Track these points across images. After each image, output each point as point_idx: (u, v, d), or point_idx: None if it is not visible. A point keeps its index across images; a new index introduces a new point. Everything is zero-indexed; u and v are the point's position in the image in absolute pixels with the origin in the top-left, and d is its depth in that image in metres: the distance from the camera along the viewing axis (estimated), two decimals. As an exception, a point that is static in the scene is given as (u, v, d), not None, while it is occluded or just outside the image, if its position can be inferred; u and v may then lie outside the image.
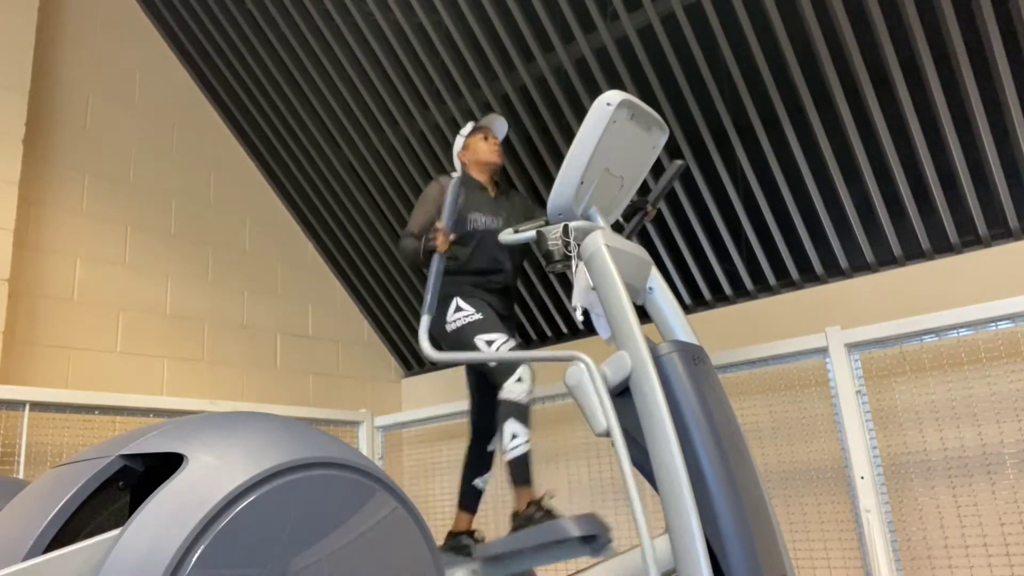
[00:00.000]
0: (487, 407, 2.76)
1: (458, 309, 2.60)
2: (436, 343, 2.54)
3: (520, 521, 2.37)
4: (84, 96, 3.78)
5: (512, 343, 2.53)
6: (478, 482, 2.75)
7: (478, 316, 2.56)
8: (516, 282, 2.85)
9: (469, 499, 2.75)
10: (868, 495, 2.59)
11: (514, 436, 2.42)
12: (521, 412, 2.44)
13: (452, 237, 2.48)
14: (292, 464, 1.05)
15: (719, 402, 1.89)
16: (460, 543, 2.63)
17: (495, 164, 2.82)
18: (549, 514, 2.34)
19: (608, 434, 1.80)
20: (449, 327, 2.60)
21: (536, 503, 2.39)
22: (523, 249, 2.84)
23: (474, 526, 2.73)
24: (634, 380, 1.86)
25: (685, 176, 3.48)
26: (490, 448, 2.78)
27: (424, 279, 2.76)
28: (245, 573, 0.96)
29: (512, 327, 2.81)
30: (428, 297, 2.42)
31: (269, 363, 4.24)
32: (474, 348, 2.52)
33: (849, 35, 2.86)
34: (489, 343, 2.50)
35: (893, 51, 2.86)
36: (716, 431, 1.80)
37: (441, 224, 2.45)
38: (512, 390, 2.45)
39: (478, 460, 2.77)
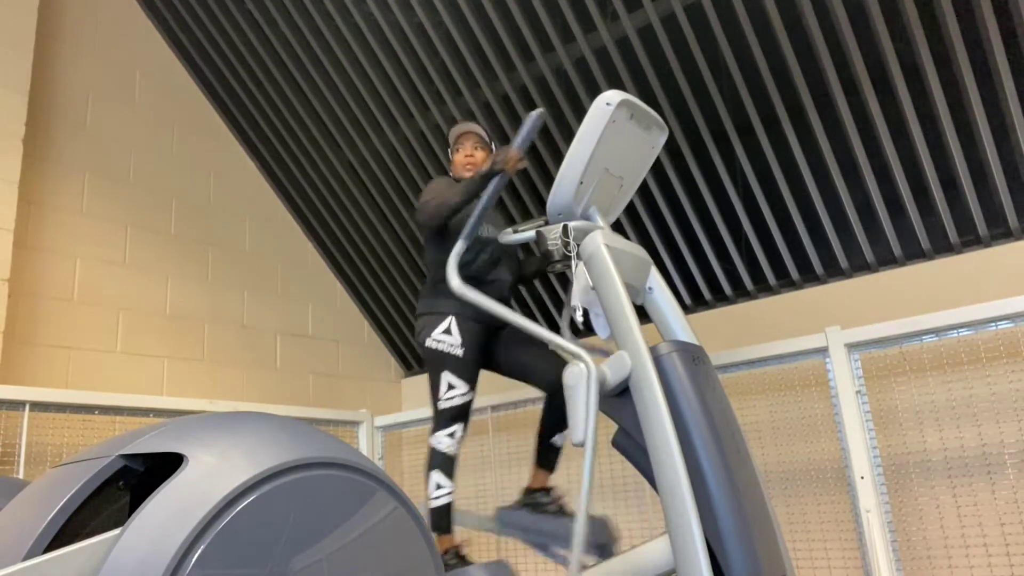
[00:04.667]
0: (548, 362, 2.67)
1: (447, 332, 2.54)
2: (419, 342, 2.56)
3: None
4: (84, 96, 3.78)
5: (470, 397, 2.52)
6: (557, 439, 2.65)
7: (459, 352, 2.52)
8: (511, 298, 2.80)
9: (547, 457, 2.66)
10: (868, 495, 2.58)
11: (438, 486, 2.46)
12: (447, 464, 2.48)
13: (523, 163, 2.33)
14: (292, 464, 1.05)
15: (719, 402, 1.89)
16: (535, 499, 2.58)
17: (465, 179, 2.74)
18: (464, 561, 2.39)
19: (583, 445, 1.82)
20: (430, 343, 2.55)
21: (454, 550, 2.43)
22: (515, 266, 2.77)
23: (550, 483, 2.67)
24: (634, 380, 1.86)
25: (685, 176, 3.48)
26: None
27: (424, 279, 2.75)
28: (245, 573, 0.96)
29: (515, 331, 2.75)
30: (471, 224, 2.34)
31: (269, 363, 4.24)
32: (437, 380, 2.52)
33: (849, 35, 2.86)
34: (450, 386, 2.50)
35: (893, 51, 2.86)
36: (716, 431, 1.80)
37: (514, 148, 2.29)
38: (441, 441, 2.48)
39: (554, 416, 2.65)
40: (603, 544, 2.26)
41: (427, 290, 2.68)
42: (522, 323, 2.14)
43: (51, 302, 3.41)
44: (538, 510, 2.43)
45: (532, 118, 2.24)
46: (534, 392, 2.72)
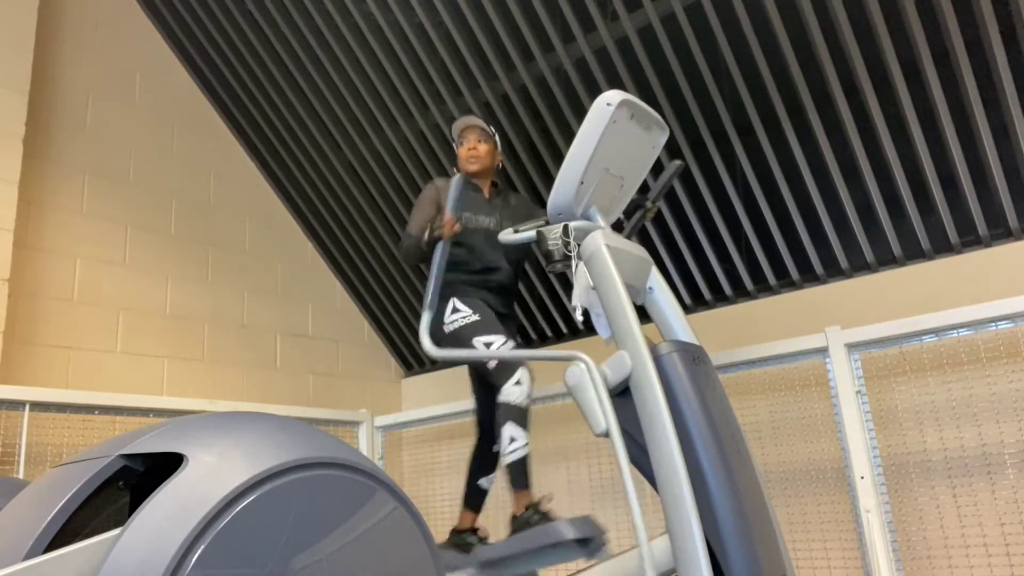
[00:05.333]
0: (490, 407, 2.75)
1: (455, 310, 2.58)
2: (437, 341, 2.54)
3: (518, 524, 2.37)
4: (84, 96, 3.78)
5: (511, 344, 2.50)
6: (483, 482, 2.74)
7: (476, 317, 2.55)
8: (516, 281, 2.83)
9: (474, 499, 2.74)
10: (868, 495, 2.59)
11: (512, 439, 2.40)
12: (520, 415, 2.42)
13: (457, 227, 2.47)
14: (292, 464, 1.05)
15: (719, 402, 1.89)
16: (463, 540, 2.62)
17: (473, 170, 2.77)
18: (546, 517, 2.33)
19: (607, 434, 1.80)
20: (447, 328, 2.58)
21: (534, 506, 2.38)
22: (521, 248, 2.81)
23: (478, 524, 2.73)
24: (634, 380, 1.86)
25: (685, 176, 3.48)
26: (496, 448, 2.77)
27: (425, 279, 2.76)
28: (245, 573, 0.96)
29: (513, 326, 2.80)
30: (430, 292, 2.41)
31: (269, 363, 4.24)
32: (474, 349, 2.50)
33: (849, 35, 2.86)
34: (487, 345, 2.47)
35: (893, 51, 2.86)
36: (716, 431, 1.80)
37: (447, 213, 2.44)
38: (511, 393, 2.43)
39: (483, 460, 2.76)
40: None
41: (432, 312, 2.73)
42: (493, 356, 2.29)
43: (51, 302, 3.41)
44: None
45: (455, 182, 2.47)
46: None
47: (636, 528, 1.71)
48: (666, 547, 1.76)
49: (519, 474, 2.42)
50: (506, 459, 2.42)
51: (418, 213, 2.70)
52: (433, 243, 2.48)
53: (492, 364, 2.47)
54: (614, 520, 3.43)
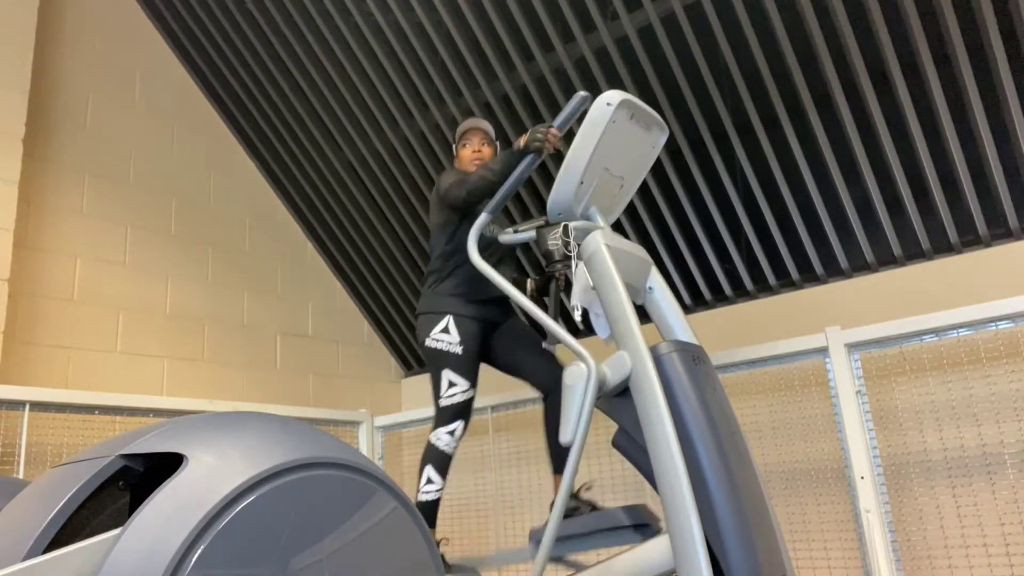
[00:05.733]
0: (545, 363, 2.67)
1: (445, 330, 2.57)
2: (420, 343, 2.57)
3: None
4: (84, 96, 3.78)
5: (471, 394, 2.55)
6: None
7: (458, 351, 2.55)
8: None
9: (563, 459, 2.66)
10: (868, 495, 2.58)
11: (429, 481, 2.49)
12: (443, 461, 2.51)
13: (560, 142, 2.29)
14: (292, 464, 1.05)
15: (719, 402, 1.89)
16: (577, 503, 2.54)
17: None
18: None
19: (571, 445, 1.84)
20: (429, 342, 2.58)
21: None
22: (514, 264, 2.80)
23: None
24: (634, 380, 1.86)
25: (685, 176, 3.48)
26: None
27: (422, 278, 2.74)
28: (245, 573, 0.96)
29: (515, 324, 2.77)
30: (497, 199, 2.32)
31: (269, 363, 4.24)
32: (438, 378, 2.54)
33: (849, 35, 2.86)
34: (451, 383, 2.53)
35: (893, 51, 2.86)
36: (716, 431, 1.80)
37: (554, 127, 2.27)
38: (441, 438, 2.51)
39: (555, 417, 2.64)
40: (646, 524, 2.27)
41: (426, 290, 2.70)
42: (530, 307, 2.14)
43: (51, 302, 3.41)
44: (575, 514, 2.42)
45: (577, 99, 2.20)
46: (534, 392, 2.72)
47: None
48: (666, 547, 1.76)
49: (427, 514, 2.48)
50: (419, 497, 2.50)
51: (460, 175, 2.55)
52: (524, 154, 2.29)
53: (442, 402, 2.53)
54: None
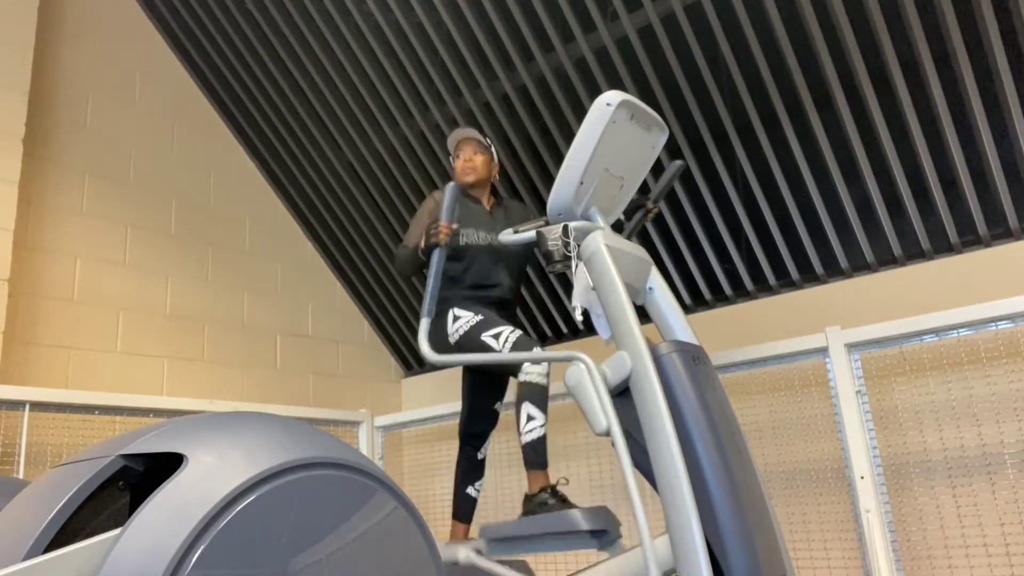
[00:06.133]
0: (479, 413, 2.77)
1: (456, 318, 2.58)
2: (442, 351, 2.55)
3: (532, 506, 2.34)
4: (84, 96, 3.78)
5: (519, 332, 2.48)
6: (471, 490, 2.73)
7: (478, 317, 2.55)
8: (515, 296, 2.81)
9: (464, 508, 2.73)
10: (868, 495, 2.59)
11: (530, 418, 2.38)
12: (538, 395, 2.41)
13: (452, 228, 2.43)
14: (292, 464, 1.05)
15: (719, 402, 1.89)
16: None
17: (469, 182, 2.76)
18: (563, 501, 2.32)
19: (608, 433, 1.80)
20: (452, 338, 2.58)
21: (551, 488, 2.36)
22: (521, 261, 2.81)
23: (471, 533, 2.71)
24: (634, 380, 1.86)
25: (685, 176, 3.48)
26: (480, 456, 2.78)
27: (424, 281, 2.75)
28: (245, 573, 0.96)
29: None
30: (427, 299, 2.41)
31: (269, 363, 4.24)
32: (482, 347, 2.49)
33: (849, 35, 2.86)
34: (496, 336, 2.47)
35: (893, 51, 2.86)
36: (716, 431, 1.80)
37: (442, 220, 2.42)
38: (529, 372, 2.42)
39: (470, 468, 2.76)
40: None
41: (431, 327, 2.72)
42: (499, 359, 2.37)
43: (51, 302, 3.41)
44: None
45: (449, 190, 2.44)
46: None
47: (640, 526, 1.71)
48: (666, 547, 1.76)
49: (536, 454, 2.38)
50: (523, 438, 2.40)
51: (416, 226, 2.71)
52: (430, 250, 2.46)
53: (504, 351, 2.45)
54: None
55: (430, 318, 2.39)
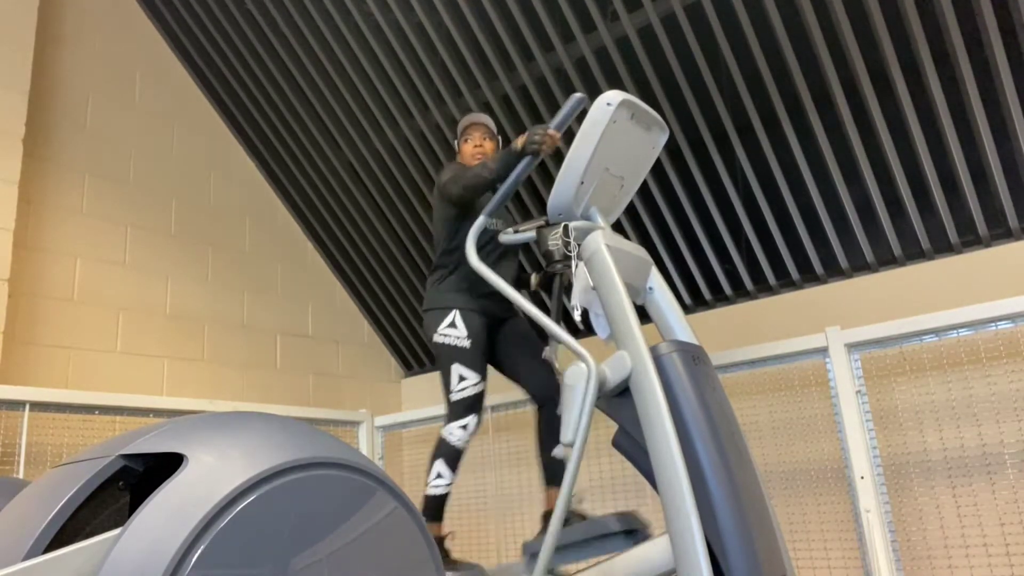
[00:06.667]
0: (542, 372, 2.68)
1: (452, 325, 2.58)
2: (428, 338, 2.56)
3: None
4: (84, 96, 3.78)
5: (481, 387, 2.55)
6: (558, 451, 2.63)
7: (466, 344, 2.55)
8: (518, 284, 2.81)
9: (556, 473, 2.60)
10: (868, 495, 2.58)
11: (439, 476, 2.49)
12: (454, 456, 2.51)
13: (558, 142, 2.29)
14: (292, 464, 1.05)
15: (719, 402, 1.89)
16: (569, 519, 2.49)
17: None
18: (446, 554, 2.45)
19: (571, 445, 1.83)
20: (437, 337, 2.59)
21: (439, 540, 2.46)
22: (517, 265, 2.79)
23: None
24: (634, 380, 1.86)
25: (685, 176, 3.48)
26: (558, 411, 2.71)
27: (424, 282, 2.74)
28: (245, 573, 0.96)
29: (517, 325, 2.77)
30: (497, 198, 2.33)
31: (269, 363, 4.24)
32: (448, 373, 2.54)
33: (849, 35, 2.86)
34: (461, 377, 2.53)
35: (893, 51, 2.86)
36: (716, 431, 1.80)
37: (552, 128, 2.25)
38: (452, 433, 2.51)
39: (550, 429, 2.63)
40: (636, 530, 2.27)
41: (431, 286, 2.70)
42: (529, 308, 2.14)
43: (51, 302, 3.41)
44: (565, 525, 2.39)
45: (574, 100, 2.21)
46: None
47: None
48: (666, 547, 1.76)
49: (434, 508, 2.48)
50: (427, 491, 2.50)
51: (461, 169, 2.53)
52: (523, 155, 2.27)
53: (453, 397, 2.53)
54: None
55: (488, 218, 2.37)
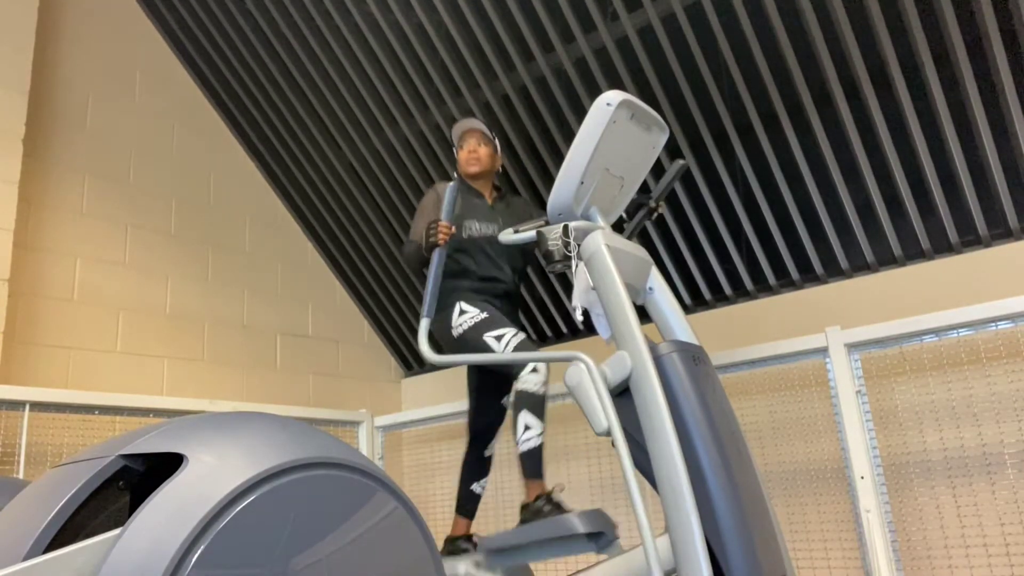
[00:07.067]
0: (486, 410, 2.76)
1: (462, 312, 2.58)
2: (437, 346, 2.54)
3: (528, 514, 2.35)
4: (84, 96, 3.78)
5: (521, 336, 2.49)
6: (476, 487, 2.74)
7: (484, 315, 2.56)
8: (519, 288, 2.83)
9: (467, 504, 2.74)
10: (868, 495, 2.59)
11: (527, 428, 2.39)
12: (535, 403, 2.41)
13: (452, 230, 2.49)
14: (292, 464, 1.05)
15: (719, 402, 1.89)
16: (458, 547, 2.62)
17: (473, 173, 2.77)
18: (558, 507, 2.31)
19: (609, 433, 1.80)
20: (455, 331, 2.58)
21: (547, 495, 2.36)
22: (524, 254, 2.82)
23: (473, 529, 2.72)
24: (634, 380, 1.86)
25: (685, 176, 3.48)
26: (487, 453, 2.78)
27: (425, 281, 2.76)
28: (245, 573, 0.96)
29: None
30: (427, 298, 2.42)
31: (269, 363, 4.24)
32: (484, 347, 2.49)
33: (849, 35, 2.86)
34: (498, 338, 2.47)
35: (893, 51, 2.86)
36: (716, 431, 1.80)
37: (441, 219, 2.47)
38: (527, 380, 2.42)
39: (476, 465, 2.76)
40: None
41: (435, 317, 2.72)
42: (496, 359, 2.39)
43: (51, 302, 3.41)
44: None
45: (449, 189, 2.53)
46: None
47: (641, 526, 1.70)
48: (666, 547, 1.76)
49: (532, 463, 2.39)
50: (520, 447, 2.40)
51: (420, 219, 2.73)
52: (431, 249, 2.48)
53: (504, 355, 2.46)
54: (615, 519, 3.42)
55: (430, 318, 2.40)
